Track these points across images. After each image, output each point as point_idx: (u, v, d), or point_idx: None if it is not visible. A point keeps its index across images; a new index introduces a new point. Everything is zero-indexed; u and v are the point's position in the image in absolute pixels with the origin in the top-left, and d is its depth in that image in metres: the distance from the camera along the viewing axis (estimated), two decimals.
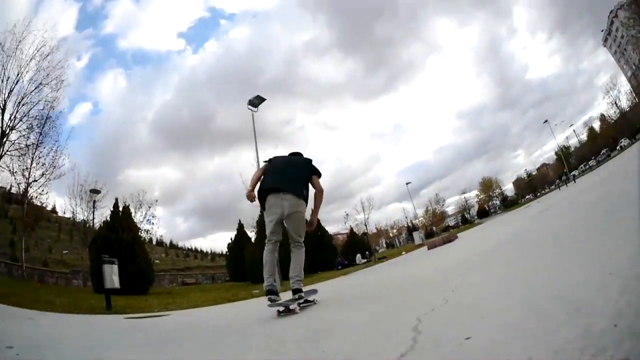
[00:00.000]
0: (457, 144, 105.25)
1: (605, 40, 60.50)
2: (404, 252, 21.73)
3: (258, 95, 12.10)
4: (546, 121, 44.59)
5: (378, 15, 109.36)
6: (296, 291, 2.84)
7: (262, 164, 3.45)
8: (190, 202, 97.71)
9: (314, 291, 3.41)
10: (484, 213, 63.56)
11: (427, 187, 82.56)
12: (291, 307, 2.79)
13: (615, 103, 37.42)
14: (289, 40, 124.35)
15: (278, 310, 2.79)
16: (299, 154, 3.37)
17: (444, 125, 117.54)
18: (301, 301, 2.86)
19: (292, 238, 2.99)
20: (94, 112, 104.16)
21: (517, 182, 73.81)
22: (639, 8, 26.14)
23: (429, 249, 10.98)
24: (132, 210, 25.80)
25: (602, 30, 54.52)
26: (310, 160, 3.22)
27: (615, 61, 57.15)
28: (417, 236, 32.50)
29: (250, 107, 11.94)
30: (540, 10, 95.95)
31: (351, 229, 33.10)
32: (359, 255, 25.43)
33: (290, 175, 2.99)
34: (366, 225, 31.29)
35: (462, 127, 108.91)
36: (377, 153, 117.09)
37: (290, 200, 2.86)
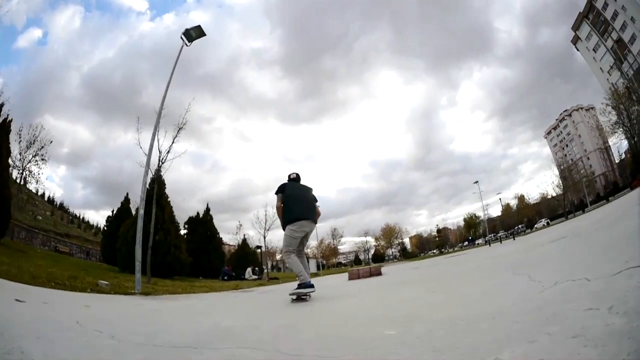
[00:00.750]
0: (362, 189, 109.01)
1: (549, 133, 67.26)
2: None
3: (199, 26, 8.93)
4: (477, 182, 45.56)
5: (331, 49, 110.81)
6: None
7: (277, 195, 4.26)
8: (93, 170, 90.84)
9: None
10: (380, 258, 64.06)
11: (322, 222, 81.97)
12: (302, 296, 3.81)
13: (560, 186, 38.55)
14: (239, 41, 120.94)
15: (292, 299, 3.83)
16: (298, 178, 4.49)
17: (355, 169, 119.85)
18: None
19: (303, 246, 4.25)
20: (41, 42, 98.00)
21: (416, 238, 76.83)
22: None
23: (350, 279, 9.32)
24: (23, 142, 23.07)
25: (556, 119, 59.35)
26: (312, 190, 4.48)
27: (552, 153, 63.43)
28: (313, 264, 32.91)
29: (183, 37, 8.78)
30: (490, 94, 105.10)
31: (244, 240, 29.37)
32: (249, 270, 21.14)
33: (310, 206, 4.21)
34: (264, 237, 27.10)
35: (372, 174, 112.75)
36: (283, 176, 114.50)
37: (312, 224, 4.12)
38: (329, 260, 61.97)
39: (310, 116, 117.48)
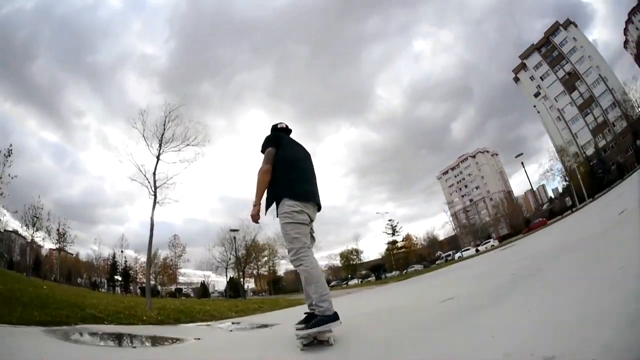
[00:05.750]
0: (208, 222, 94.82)
1: (445, 173, 64.53)
2: None
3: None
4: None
5: (212, 76, 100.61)
6: None
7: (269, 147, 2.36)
8: None
9: None
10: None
11: (163, 250, 64.14)
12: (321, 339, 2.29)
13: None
14: (135, 41, 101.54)
15: (302, 344, 2.14)
16: (290, 132, 2.67)
17: (205, 201, 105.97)
18: None
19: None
20: None
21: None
22: None
23: None
24: None
25: (458, 158, 54.66)
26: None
27: (446, 194, 60.00)
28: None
29: None
30: (352, 153, 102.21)
31: None
32: None
33: (317, 187, 2.41)
34: None
35: (219, 209, 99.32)
36: (134, 194, 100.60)
37: (315, 213, 2.33)
38: (164, 287, 44.51)
39: (172, 138, 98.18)
